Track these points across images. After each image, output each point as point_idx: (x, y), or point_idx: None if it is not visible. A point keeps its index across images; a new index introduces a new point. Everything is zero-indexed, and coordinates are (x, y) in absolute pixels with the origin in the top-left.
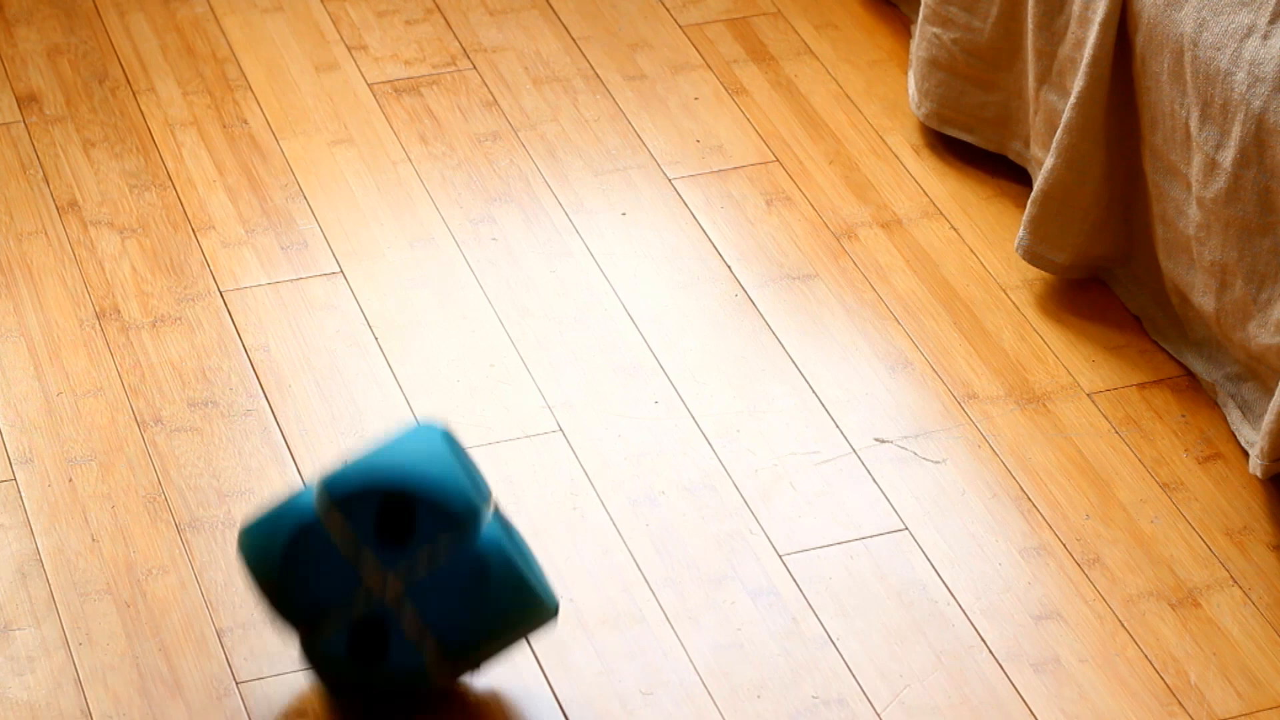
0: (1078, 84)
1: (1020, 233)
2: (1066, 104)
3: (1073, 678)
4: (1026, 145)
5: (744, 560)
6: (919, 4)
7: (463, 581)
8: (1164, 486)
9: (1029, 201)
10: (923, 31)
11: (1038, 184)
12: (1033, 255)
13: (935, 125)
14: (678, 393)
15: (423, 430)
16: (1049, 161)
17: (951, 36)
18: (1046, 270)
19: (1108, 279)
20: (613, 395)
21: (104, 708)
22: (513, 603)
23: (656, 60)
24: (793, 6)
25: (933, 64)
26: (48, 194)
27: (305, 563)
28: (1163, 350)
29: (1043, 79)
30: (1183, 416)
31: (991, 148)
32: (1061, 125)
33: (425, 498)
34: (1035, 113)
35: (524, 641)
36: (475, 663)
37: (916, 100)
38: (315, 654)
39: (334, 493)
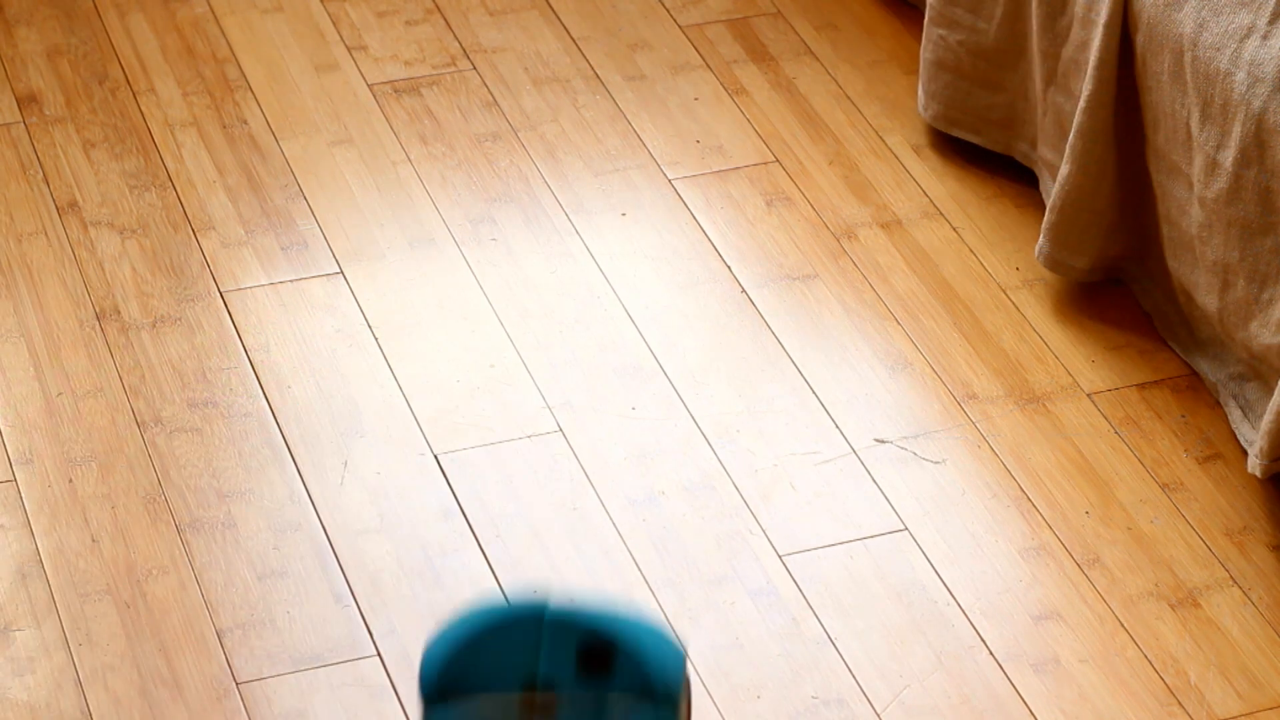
0: (1086, 87)
1: (1040, 240)
2: (1075, 107)
3: (1073, 678)
4: (1034, 146)
5: (744, 560)
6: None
7: None
8: (1164, 486)
9: (1047, 209)
10: (929, 33)
11: (1055, 191)
12: (1053, 262)
13: (942, 126)
14: (678, 393)
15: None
16: (1064, 168)
17: (957, 38)
18: (1068, 276)
19: (1125, 278)
20: (613, 395)
21: (104, 708)
22: None
23: (656, 60)
24: (793, 6)
25: (939, 65)
26: (48, 194)
27: (495, 637)
28: (1166, 349)
29: (1049, 80)
30: (1183, 416)
31: (998, 149)
32: (1073, 130)
33: (630, 650)
34: (1044, 114)
35: None
36: None
37: (924, 101)
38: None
39: (548, 610)
